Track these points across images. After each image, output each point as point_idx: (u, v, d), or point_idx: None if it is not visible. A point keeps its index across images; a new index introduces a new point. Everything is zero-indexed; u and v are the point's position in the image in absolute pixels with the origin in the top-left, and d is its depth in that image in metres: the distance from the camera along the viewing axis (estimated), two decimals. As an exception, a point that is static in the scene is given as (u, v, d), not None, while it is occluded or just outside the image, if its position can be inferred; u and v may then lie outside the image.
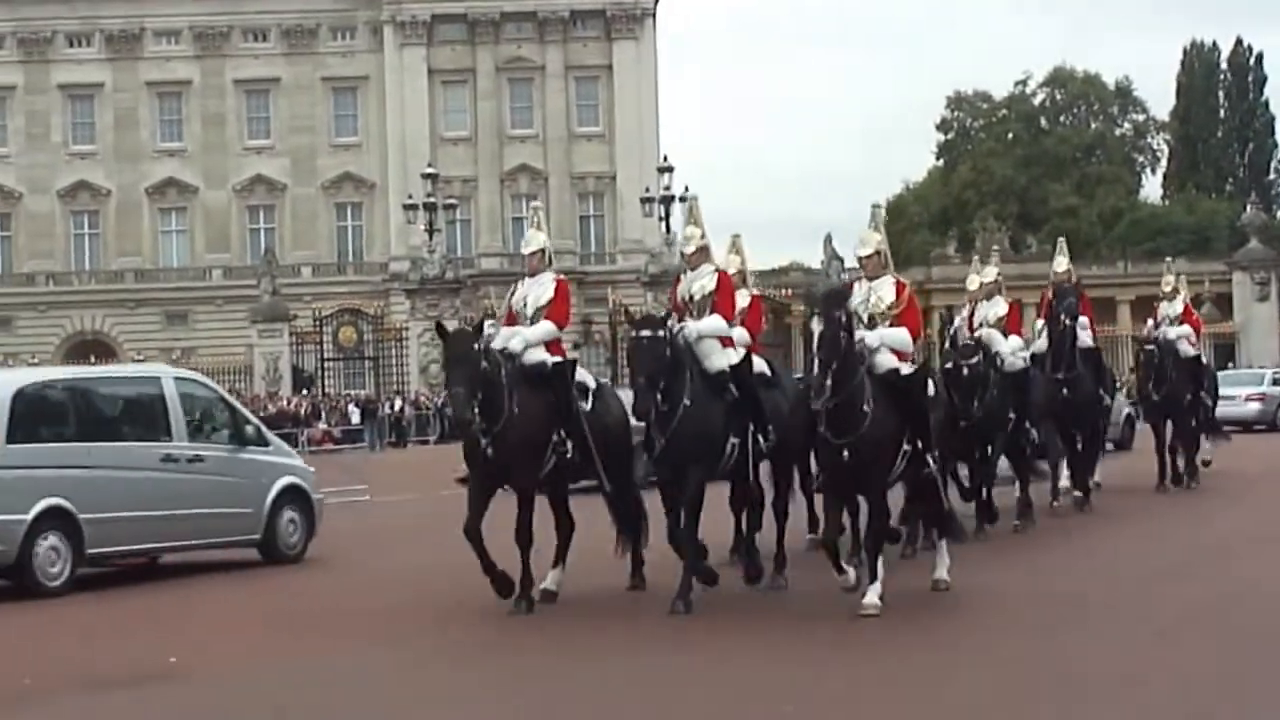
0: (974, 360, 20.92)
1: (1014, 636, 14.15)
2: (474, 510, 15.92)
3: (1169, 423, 27.76)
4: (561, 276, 17.20)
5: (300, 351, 73.41)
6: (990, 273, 23.09)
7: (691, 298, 16.68)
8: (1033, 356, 23.78)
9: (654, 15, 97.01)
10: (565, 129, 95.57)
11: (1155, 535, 22.10)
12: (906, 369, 15.55)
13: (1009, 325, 22.65)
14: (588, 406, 16.50)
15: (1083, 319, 24.89)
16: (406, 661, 13.97)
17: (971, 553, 18.46)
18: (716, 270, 16.87)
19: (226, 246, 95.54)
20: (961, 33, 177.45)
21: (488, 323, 17.06)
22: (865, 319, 15.65)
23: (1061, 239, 27.61)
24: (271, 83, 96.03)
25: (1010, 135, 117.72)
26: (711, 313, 16.47)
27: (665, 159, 74.08)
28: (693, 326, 16.22)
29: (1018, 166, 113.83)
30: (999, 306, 22.71)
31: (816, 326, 14.60)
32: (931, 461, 15.68)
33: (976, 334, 21.82)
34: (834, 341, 14.54)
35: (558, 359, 16.58)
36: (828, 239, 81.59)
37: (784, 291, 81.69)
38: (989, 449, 21.54)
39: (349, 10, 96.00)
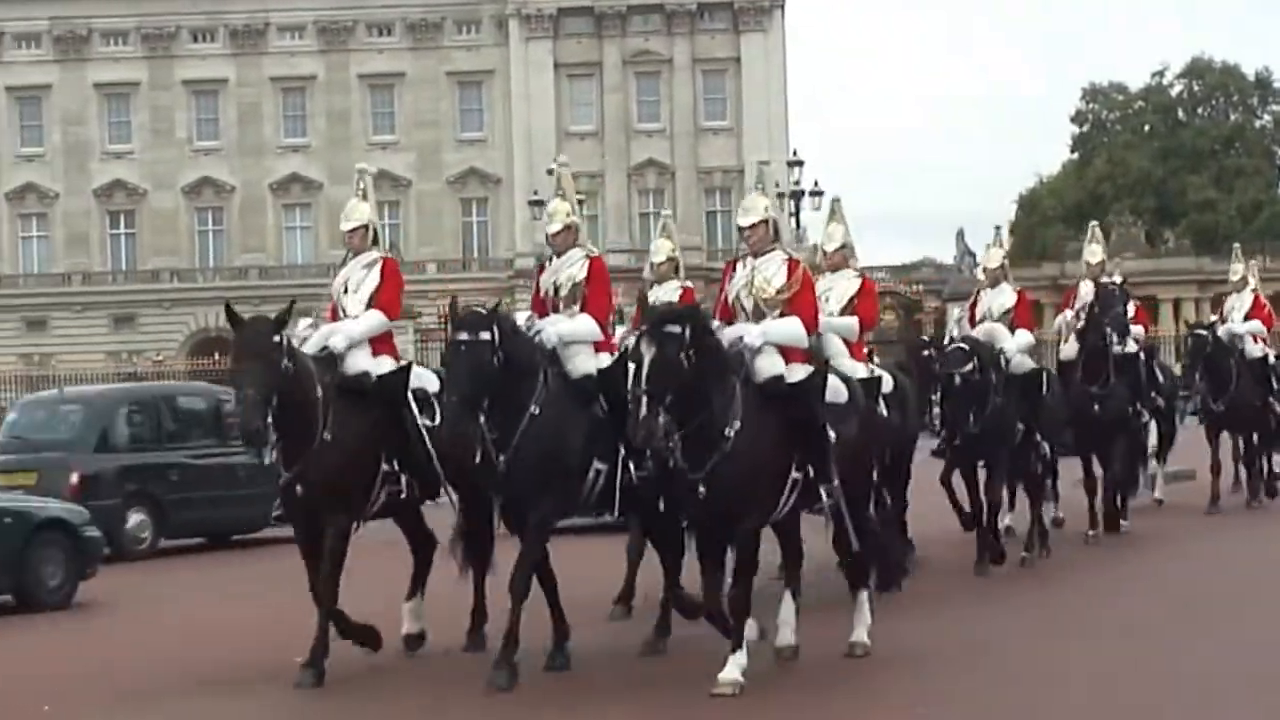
0: (967, 368, 17.87)
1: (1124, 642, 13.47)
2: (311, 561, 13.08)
3: (1230, 433, 24.78)
4: (389, 255, 14.08)
5: (425, 349, 72.67)
6: (995, 257, 19.85)
7: (556, 290, 13.44)
8: (1060, 364, 21.34)
9: (783, 7, 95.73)
10: (692, 123, 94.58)
11: (1211, 557, 19.99)
12: (799, 373, 12.34)
13: (1017, 317, 19.25)
14: (434, 421, 13.19)
15: (1136, 329, 21.92)
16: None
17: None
18: (589, 256, 13.57)
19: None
20: (1097, 24, 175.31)
21: (304, 321, 13.65)
22: (749, 308, 12.72)
23: (1094, 224, 24.08)
24: (396, 77, 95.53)
25: (1147, 127, 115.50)
26: (582, 310, 13.29)
27: (795, 153, 72.61)
28: (551, 329, 12.94)
29: (1154, 159, 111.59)
30: (1005, 296, 19.48)
31: (646, 350, 11.35)
32: (826, 494, 12.20)
33: (980, 328, 19.07)
34: (668, 367, 11.29)
35: (387, 368, 13.46)
36: (960, 234, 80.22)
37: (914, 288, 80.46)
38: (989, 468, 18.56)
39: (474, 4, 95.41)
